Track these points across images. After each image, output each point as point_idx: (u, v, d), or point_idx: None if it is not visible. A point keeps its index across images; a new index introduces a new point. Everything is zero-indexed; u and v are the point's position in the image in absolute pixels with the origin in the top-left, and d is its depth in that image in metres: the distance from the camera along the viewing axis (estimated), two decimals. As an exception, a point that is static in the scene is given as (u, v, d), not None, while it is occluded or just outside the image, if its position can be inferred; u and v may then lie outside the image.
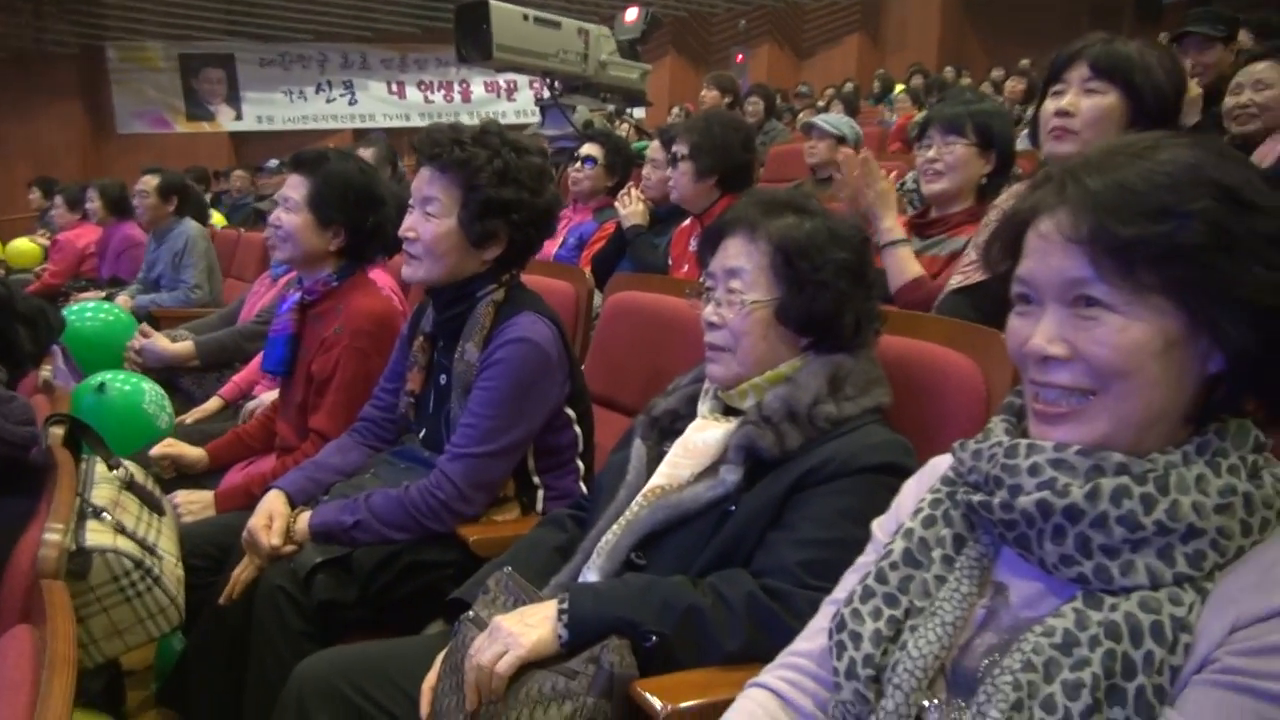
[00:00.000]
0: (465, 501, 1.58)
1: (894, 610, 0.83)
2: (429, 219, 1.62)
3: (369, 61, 12.74)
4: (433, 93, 12.95)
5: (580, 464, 1.75)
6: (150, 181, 4.23)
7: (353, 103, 12.75)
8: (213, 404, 2.64)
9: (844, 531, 1.07)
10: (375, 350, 1.91)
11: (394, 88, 12.86)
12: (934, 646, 0.80)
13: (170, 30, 11.80)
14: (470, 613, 1.19)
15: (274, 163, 7.53)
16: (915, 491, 0.94)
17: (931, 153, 2.11)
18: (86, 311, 3.42)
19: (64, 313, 3.20)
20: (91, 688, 1.53)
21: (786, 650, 0.97)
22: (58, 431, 1.50)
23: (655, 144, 3.21)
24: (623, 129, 5.22)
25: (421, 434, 1.75)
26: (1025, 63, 8.58)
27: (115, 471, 1.59)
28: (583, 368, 2.03)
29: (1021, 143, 2.93)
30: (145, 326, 3.09)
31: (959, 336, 1.35)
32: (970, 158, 2.09)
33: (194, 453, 2.05)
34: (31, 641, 0.89)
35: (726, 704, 0.96)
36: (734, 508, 1.17)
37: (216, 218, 6.37)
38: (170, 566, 1.46)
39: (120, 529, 1.40)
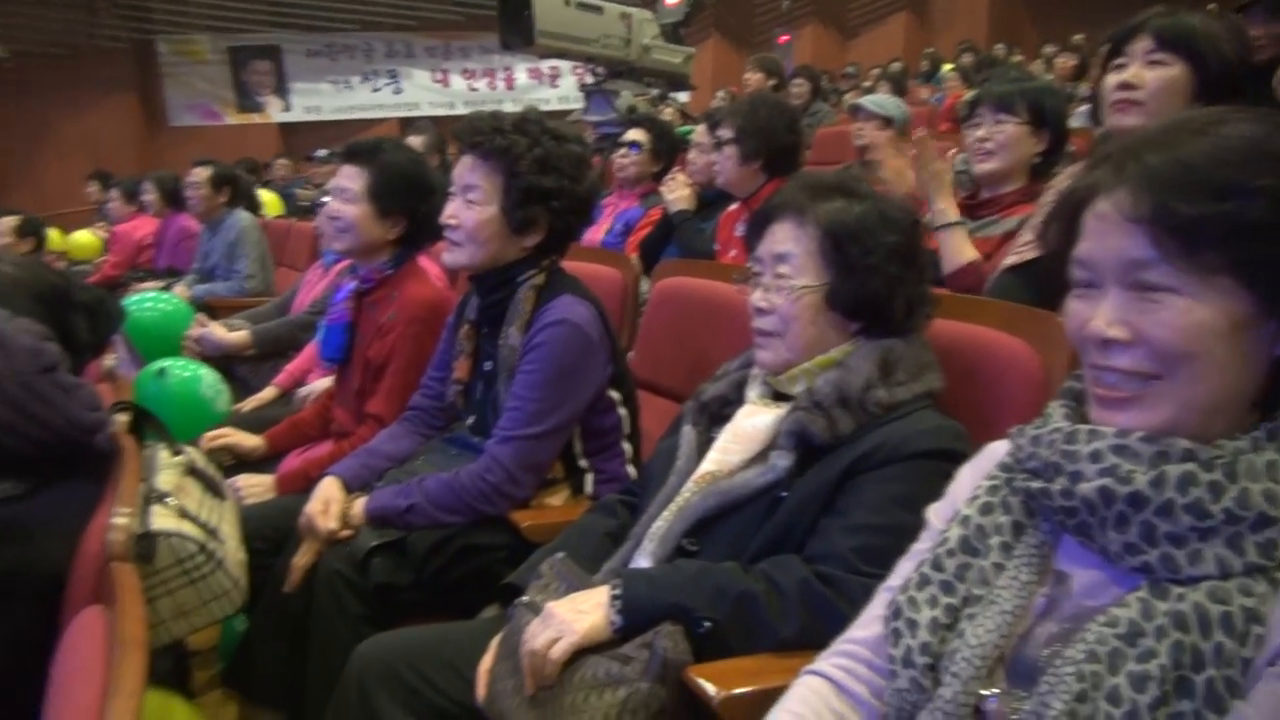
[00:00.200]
0: (514, 484, 1.60)
1: (951, 598, 0.82)
2: (470, 206, 1.64)
3: (413, 50, 12.81)
4: (476, 80, 13.00)
5: (627, 447, 1.76)
6: (202, 173, 4.29)
7: (398, 91, 12.84)
8: (268, 392, 2.70)
9: (897, 518, 1.07)
10: (429, 335, 1.94)
11: (438, 76, 12.92)
12: (993, 635, 0.79)
13: (217, 23, 11.98)
14: (525, 598, 1.20)
15: (322, 152, 7.61)
16: (971, 478, 0.93)
17: (981, 132, 2.07)
18: (146, 301, 3.51)
19: (124, 303, 3.29)
20: (160, 667, 1.57)
21: (841, 638, 0.97)
22: (122, 418, 1.54)
23: (700, 128, 3.20)
24: (667, 113, 5.19)
25: (470, 421, 1.77)
26: (1079, 38, 8.35)
27: (178, 457, 1.63)
28: (630, 353, 2.04)
29: (1076, 120, 2.87)
30: (202, 316, 3.17)
31: (1014, 320, 1.32)
32: (1021, 137, 2.04)
33: (251, 440, 2.10)
34: (104, 622, 0.92)
35: (781, 691, 0.96)
36: (785, 494, 1.16)
37: (271, 203, 6.45)
38: (232, 550, 1.49)
39: (184, 513, 1.44)
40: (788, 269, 1.24)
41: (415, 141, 4.12)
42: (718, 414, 1.32)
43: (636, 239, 3.23)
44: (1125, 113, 1.57)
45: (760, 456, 1.21)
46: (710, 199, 3.07)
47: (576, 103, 5.43)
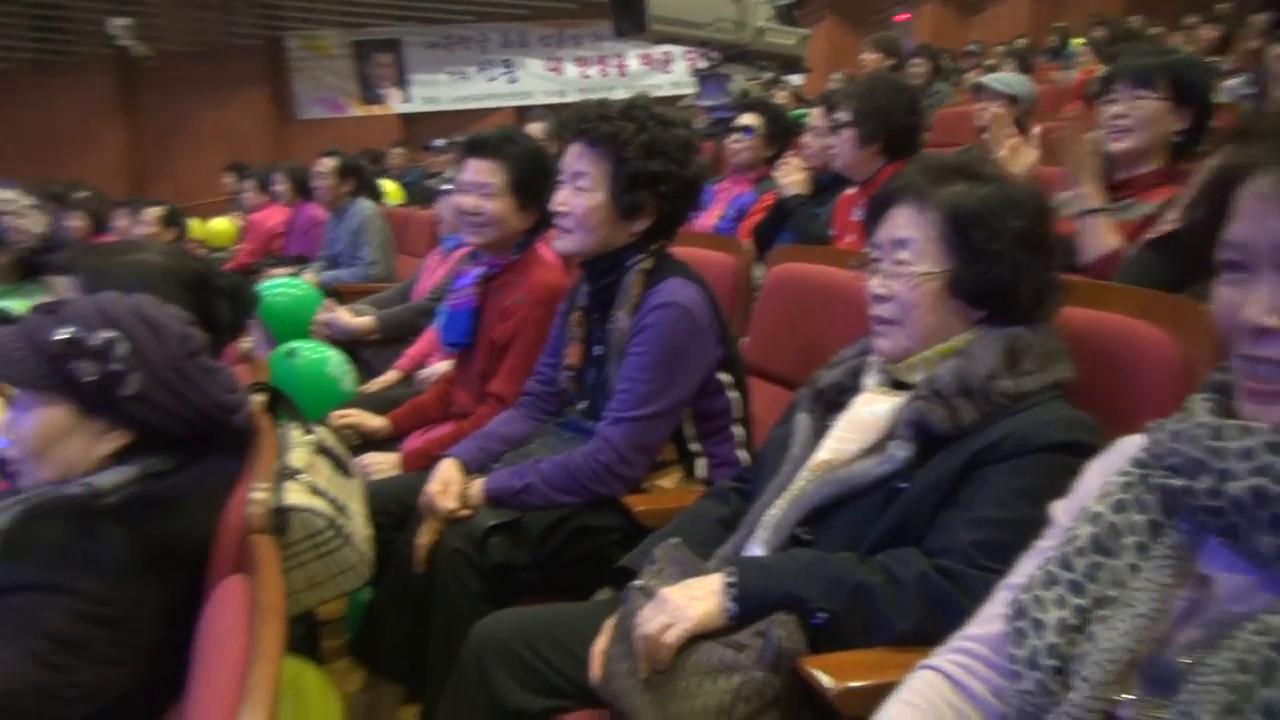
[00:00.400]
0: (626, 464, 1.62)
1: (1080, 599, 0.79)
2: (580, 193, 1.67)
3: (527, 39, 13.00)
4: (589, 68, 13.10)
5: (738, 430, 1.76)
6: (328, 163, 4.48)
7: (512, 81, 13.06)
8: (391, 375, 2.80)
9: (1021, 512, 1.03)
10: (551, 319, 1.98)
11: (552, 64, 13.08)
12: (1126, 639, 0.75)
13: (344, 19, 12.43)
14: (638, 582, 1.21)
15: (441, 141, 7.82)
16: (1100, 474, 0.89)
17: (1118, 108, 1.96)
18: (277, 287, 3.69)
19: (257, 288, 3.46)
20: (293, 635, 1.65)
21: (958, 635, 0.94)
22: (259, 399, 1.62)
23: (816, 111, 3.14)
24: (780, 97, 5.12)
25: (583, 406, 1.80)
26: (1224, 6, 7.82)
27: (309, 436, 1.70)
28: (744, 339, 2.03)
29: (1222, 96, 2.69)
30: (330, 300, 3.31)
31: (1152, 307, 1.25)
32: (1161, 113, 1.93)
33: (376, 421, 2.19)
34: (245, 591, 0.98)
35: (896, 686, 0.94)
36: (904, 484, 1.14)
37: (392, 192, 6.67)
38: (359, 526, 1.55)
39: (314, 490, 1.51)
40: (907, 255, 1.21)
41: (535, 129, 4.18)
42: (834, 401, 1.31)
43: (749, 224, 3.20)
44: None
45: (878, 446, 1.19)
46: (825, 183, 3.02)
47: (689, 88, 5.42)
